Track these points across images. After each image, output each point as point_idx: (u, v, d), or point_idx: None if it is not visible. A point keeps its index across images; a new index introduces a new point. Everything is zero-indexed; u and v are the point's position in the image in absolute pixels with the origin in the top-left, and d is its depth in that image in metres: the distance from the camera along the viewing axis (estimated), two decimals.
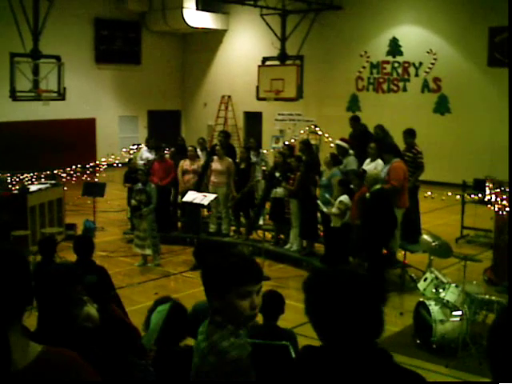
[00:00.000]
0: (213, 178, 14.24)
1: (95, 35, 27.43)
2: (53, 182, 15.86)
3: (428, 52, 22.79)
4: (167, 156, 15.27)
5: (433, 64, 22.78)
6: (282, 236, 13.55)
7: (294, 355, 3.55)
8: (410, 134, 13.35)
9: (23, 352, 2.17)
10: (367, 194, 10.75)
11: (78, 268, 4.58)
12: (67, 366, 2.21)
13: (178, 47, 30.56)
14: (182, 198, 14.21)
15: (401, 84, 23.74)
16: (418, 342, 8.86)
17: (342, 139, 13.58)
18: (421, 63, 23.07)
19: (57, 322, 3.89)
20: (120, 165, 20.27)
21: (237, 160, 14.84)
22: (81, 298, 4.19)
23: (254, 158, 14.92)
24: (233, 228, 14.57)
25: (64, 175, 18.03)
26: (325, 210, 11.69)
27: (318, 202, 11.90)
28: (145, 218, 12.59)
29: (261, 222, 14.57)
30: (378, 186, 10.66)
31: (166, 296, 4.94)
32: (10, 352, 2.08)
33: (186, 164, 14.68)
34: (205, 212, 14.90)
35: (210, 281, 3.18)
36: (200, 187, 14.39)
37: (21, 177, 17.79)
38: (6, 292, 2.15)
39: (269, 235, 14.14)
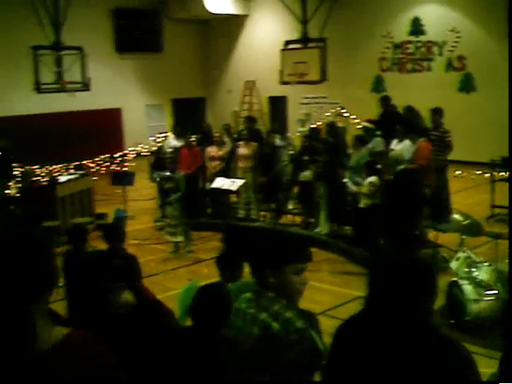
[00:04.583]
0: (240, 164, 14.29)
1: (115, 25, 27.38)
2: (82, 172, 15.98)
3: (451, 30, 22.59)
4: (194, 143, 15.33)
5: (456, 42, 22.55)
6: (311, 220, 13.54)
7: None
8: (437, 113, 13.31)
9: (48, 334, 2.22)
10: (391, 176, 10.75)
11: (109, 256, 4.65)
12: (90, 350, 2.27)
13: (200, 34, 30.42)
14: (210, 184, 14.30)
15: (425, 64, 23.56)
16: (452, 321, 8.86)
17: (368, 120, 13.57)
18: (444, 42, 22.87)
19: (90, 310, 3.97)
20: (148, 153, 20.29)
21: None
22: (117, 284, 4.26)
23: (280, 142, 14.93)
24: (262, 213, 14.61)
25: (93, 165, 18.15)
26: (354, 189, 11.69)
27: (348, 182, 11.90)
28: (174, 205, 12.66)
29: (290, 206, 14.61)
30: (400, 167, 10.64)
31: (219, 281, 4.98)
32: (35, 332, 2.15)
33: (212, 150, 14.74)
34: (233, 198, 14.96)
35: (270, 257, 3.53)
36: (227, 173, 14.45)
37: (50, 168, 17.99)
38: (24, 273, 2.22)
39: (298, 219, 14.18)
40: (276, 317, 3.42)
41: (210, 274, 11.43)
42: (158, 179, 13.59)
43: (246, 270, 4.69)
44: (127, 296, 4.64)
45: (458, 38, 22.45)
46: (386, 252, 3.08)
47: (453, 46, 22.65)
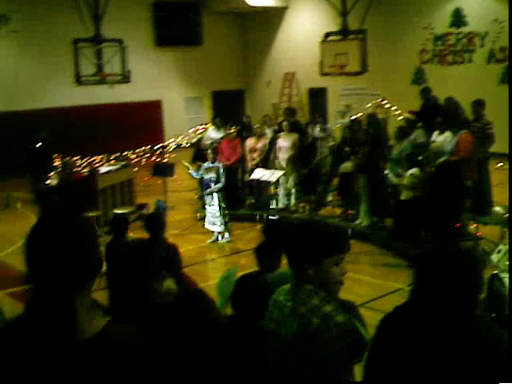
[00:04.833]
0: (280, 155, 14.30)
1: (155, 18, 27.49)
2: (123, 163, 16.09)
3: (494, 21, 22.29)
4: (234, 135, 15.37)
5: (499, 33, 22.25)
6: (351, 212, 13.47)
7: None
8: (478, 105, 13.19)
9: (89, 324, 2.23)
10: (432, 168, 10.66)
11: (150, 245, 4.66)
12: (129, 341, 2.27)
13: (239, 26, 30.44)
14: (250, 175, 14.34)
15: (466, 55, 23.31)
16: (493, 315, 8.77)
17: (410, 112, 13.48)
18: (486, 33, 22.57)
19: (132, 299, 3.98)
20: (188, 145, 20.35)
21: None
22: (160, 272, 4.28)
23: (319, 134, 14.90)
24: (301, 204, 14.59)
25: (133, 157, 18.25)
26: (395, 180, 11.62)
27: (389, 174, 11.83)
28: (214, 196, 12.73)
29: (329, 198, 14.57)
30: (442, 159, 10.55)
31: (258, 271, 4.98)
32: (75, 322, 2.16)
33: (252, 142, 14.77)
34: (272, 189, 14.97)
35: (309, 251, 3.42)
36: (267, 164, 14.47)
37: (90, 160, 18.16)
38: (68, 263, 2.21)
39: (338, 211, 14.13)
40: (315, 311, 3.35)
41: (248, 265, 11.49)
42: (195, 175, 13.54)
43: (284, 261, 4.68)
44: (169, 284, 4.66)
45: (501, 28, 22.12)
46: (432, 245, 3.08)
47: (495, 37, 22.33)
